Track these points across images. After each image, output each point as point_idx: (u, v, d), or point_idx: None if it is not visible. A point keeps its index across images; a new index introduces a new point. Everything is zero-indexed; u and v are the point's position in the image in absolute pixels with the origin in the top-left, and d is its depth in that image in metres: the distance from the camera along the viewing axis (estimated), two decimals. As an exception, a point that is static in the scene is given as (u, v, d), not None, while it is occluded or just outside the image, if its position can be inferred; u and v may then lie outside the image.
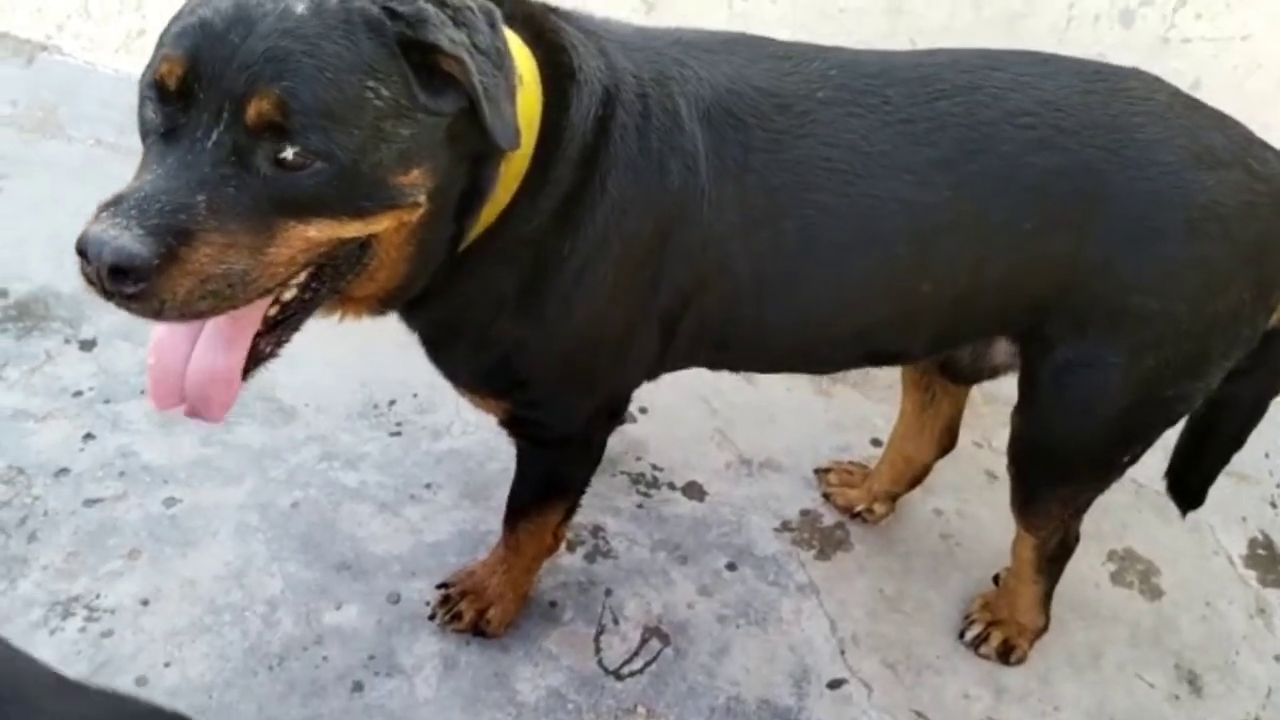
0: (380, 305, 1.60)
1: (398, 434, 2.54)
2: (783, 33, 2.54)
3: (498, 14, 1.42)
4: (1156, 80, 1.76)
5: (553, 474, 2.03)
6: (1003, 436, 2.60)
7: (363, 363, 2.67)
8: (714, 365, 2.01)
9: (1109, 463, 1.96)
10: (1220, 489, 2.78)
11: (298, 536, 2.27)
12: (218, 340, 1.39)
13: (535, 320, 1.67)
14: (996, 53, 1.77)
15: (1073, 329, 1.75)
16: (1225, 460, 2.16)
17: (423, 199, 1.39)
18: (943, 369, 2.12)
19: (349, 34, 1.29)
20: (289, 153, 1.26)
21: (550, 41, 1.56)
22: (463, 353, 1.77)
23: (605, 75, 1.58)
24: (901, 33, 2.54)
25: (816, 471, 2.64)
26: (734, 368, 2.08)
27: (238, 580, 2.17)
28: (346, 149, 1.28)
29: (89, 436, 2.38)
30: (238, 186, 1.26)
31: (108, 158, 3.08)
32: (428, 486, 2.44)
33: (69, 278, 2.62)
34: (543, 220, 1.58)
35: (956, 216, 1.66)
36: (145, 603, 2.10)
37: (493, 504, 2.40)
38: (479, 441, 2.55)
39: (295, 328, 1.49)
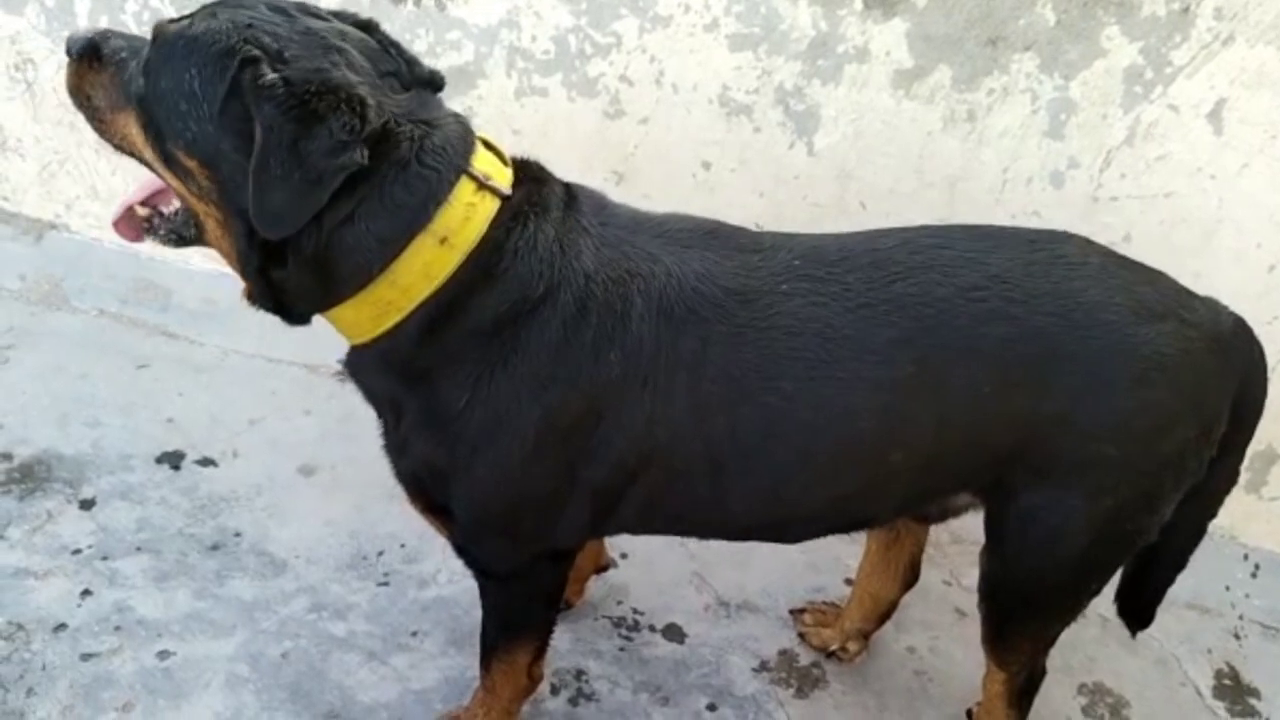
0: (250, 299, 1.80)
1: (385, 584, 2.62)
2: (744, 197, 2.78)
3: (355, 153, 1.57)
4: (1088, 243, 1.92)
5: (506, 609, 2.10)
6: (970, 574, 2.71)
7: (354, 516, 2.78)
8: (676, 534, 2.11)
9: (1074, 597, 2.07)
10: (1185, 621, 2.90)
11: (287, 686, 2.33)
12: (134, 190, 1.90)
13: (443, 452, 1.81)
14: (941, 230, 1.93)
15: (1034, 476, 1.86)
16: (1170, 582, 2.24)
17: (199, 189, 1.67)
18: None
19: (214, 43, 1.59)
20: (145, 64, 1.68)
21: (503, 236, 1.71)
22: (392, 448, 1.92)
23: (535, 280, 1.71)
24: (851, 195, 2.74)
25: (792, 612, 2.72)
26: (700, 537, 2.18)
27: (229, 730, 2.22)
28: (154, 88, 1.65)
29: (87, 592, 2.46)
30: (132, 69, 1.72)
31: (109, 327, 3.24)
32: (415, 634, 2.51)
33: (71, 441, 2.81)
34: (431, 364, 1.75)
35: (919, 388, 1.77)
36: (139, 754, 2.15)
37: (479, 651, 2.47)
38: (465, 589, 2.63)
39: (175, 235, 1.85)
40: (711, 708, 2.46)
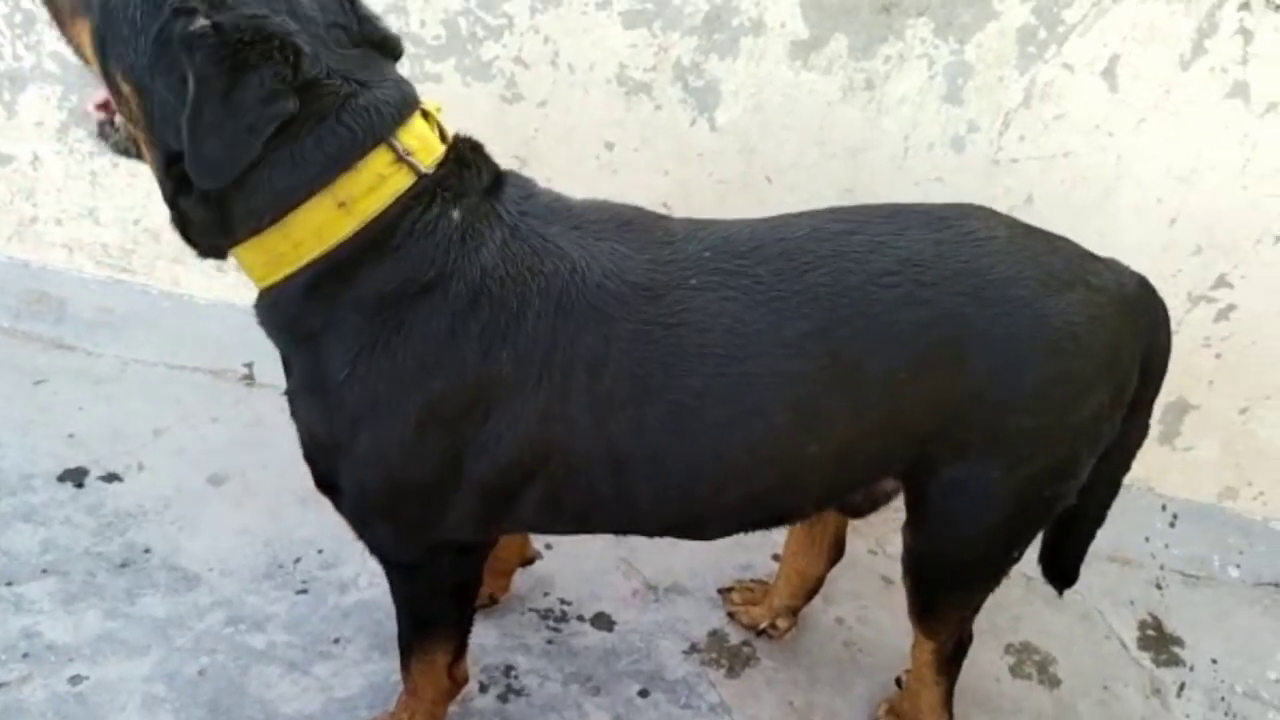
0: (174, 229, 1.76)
1: (304, 591, 2.56)
2: (649, 177, 2.74)
3: (284, 105, 1.55)
4: (993, 214, 1.92)
5: (412, 603, 2.07)
6: (894, 542, 2.70)
7: (268, 523, 2.71)
8: (584, 532, 2.08)
9: (997, 564, 2.08)
10: (1106, 574, 2.94)
11: (205, 704, 2.27)
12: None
13: (321, 414, 1.77)
14: (849, 213, 1.91)
15: (953, 453, 1.86)
16: (1090, 538, 2.26)
17: (129, 112, 1.65)
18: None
19: None
20: None
21: (403, 213, 1.67)
22: (290, 403, 1.87)
23: (425, 265, 1.68)
24: (756, 170, 2.72)
25: (720, 591, 2.71)
26: (613, 533, 2.15)
27: (145, 753, 2.16)
28: (104, 10, 1.59)
29: (-10, 621, 2.37)
30: None
31: (2, 342, 3.11)
32: (336, 642, 2.45)
33: (-35, 466, 2.69)
34: (317, 328, 1.72)
35: (834, 380, 1.76)
36: (50, 785, 2.08)
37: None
38: (386, 592, 2.55)
39: (120, 141, 1.79)
40: (644, 694, 2.44)
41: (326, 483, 1.89)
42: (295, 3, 1.61)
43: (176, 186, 1.66)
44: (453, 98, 2.68)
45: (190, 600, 2.50)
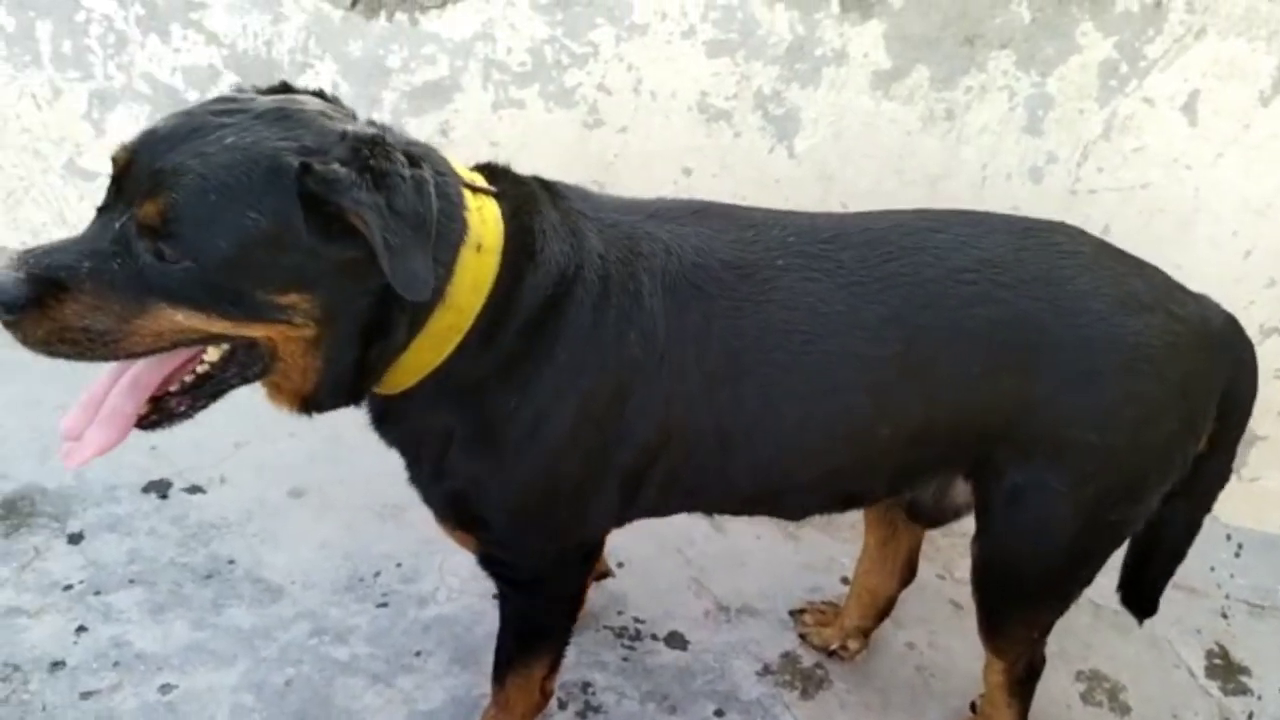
0: (301, 404, 1.72)
1: (385, 604, 2.60)
2: (726, 201, 2.77)
3: (433, 185, 1.55)
4: (1081, 233, 1.96)
5: (530, 619, 2.10)
6: (963, 567, 2.73)
7: (347, 537, 2.76)
8: (685, 510, 2.12)
9: (1064, 584, 2.09)
10: (1174, 603, 2.94)
11: (293, 714, 2.30)
12: (126, 386, 1.60)
13: (488, 461, 1.80)
14: (935, 213, 1.97)
15: (1020, 456, 1.89)
16: (1170, 573, 2.28)
17: (301, 319, 1.55)
18: (909, 513, 2.25)
19: (251, 171, 1.47)
20: (163, 249, 1.46)
21: (522, 223, 1.73)
22: (426, 479, 1.90)
23: (567, 258, 1.73)
24: (834, 197, 2.76)
25: (791, 613, 2.74)
26: (705, 511, 2.20)
27: (238, 762, 2.20)
28: (211, 259, 1.46)
29: (82, 629, 2.41)
30: (121, 264, 1.47)
31: (85, 354, 3.18)
32: (418, 655, 2.49)
33: (54, 474, 2.77)
34: (487, 374, 1.73)
35: (908, 366, 1.81)
36: (148, 792, 2.12)
37: (483, 668, 2.45)
38: (464, 606, 2.62)
39: (209, 396, 1.66)
40: (719, 714, 2.46)
41: (469, 522, 1.92)
42: (320, 109, 1.62)
43: (367, 341, 1.62)
44: (535, 124, 2.75)
45: (274, 612, 2.54)
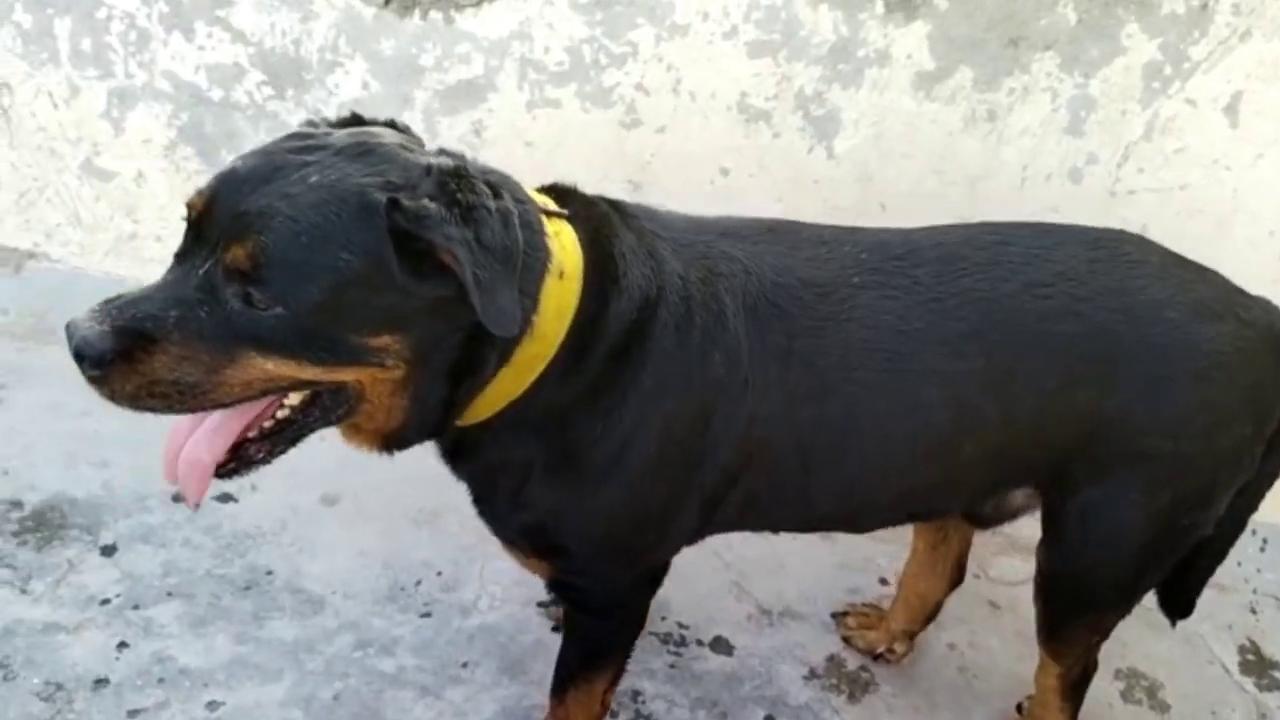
0: (385, 444, 1.69)
1: (428, 614, 2.57)
2: (762, 202, 2.76)
3: (518, 216, 1.51)
4: (1143, 240, 1.96)
5: (598, 638, 2.09)
6: (998, 566, 2.75)
7: (384, 545, 2.72)
8: (756, 529, 2.11)
9: (1132, 590, 2.11)
10: (1204, 599, 2.93)
11: (344, 729, 2.28)
12: (204, 435, 1.56)
13: (570, 490, 1.77)
14: (1000, 226, 1.95)
15: (1095, 471, 1.90)
16: (1210, 573, 2.30)
17: (393, 361, 1.50)
18: (964, 516, 2.25)
19: (341, 210, 1.43)
20: (253, 294, 1.41)
21: (601, 248, 1.69)
22: (502, 509, 1.86)
23: (649, 281, 1.70)
24: (872, 197, 2.74)
25: (834, 615, 2.73)
26: (774, 529, 2.18)
27: (294, 780, 2.16)
28: (304, 303, 1.41)
29: (123, 644, 2.36)
30: (208, 312, 1.42)
31: (104, 359, 3.11)
32: (465, 666, 2.46)
33: (82, 483, 2.71)
34: (571, 402, 1.69)
35: (989, 382, 1.81)
36: (205, 813, 2.08)
37: (531, 677, 2.45)
38: (508, 615, 2.60)
39: (289, 441, 1.61)
40: (769, 720, 2.46)
41: (550, 549, 1.87)
42: (398, 139, 1.58)
43: (456, 379, 1.58)
44: (571, 123, 2.72)
45: (317, 623, 2.50)
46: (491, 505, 1.86)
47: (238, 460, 1.58)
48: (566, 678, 2.11)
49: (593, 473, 1.74)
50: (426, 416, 1.61)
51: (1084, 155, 2.63)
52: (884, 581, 2.87)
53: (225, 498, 2.77)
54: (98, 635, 2.38)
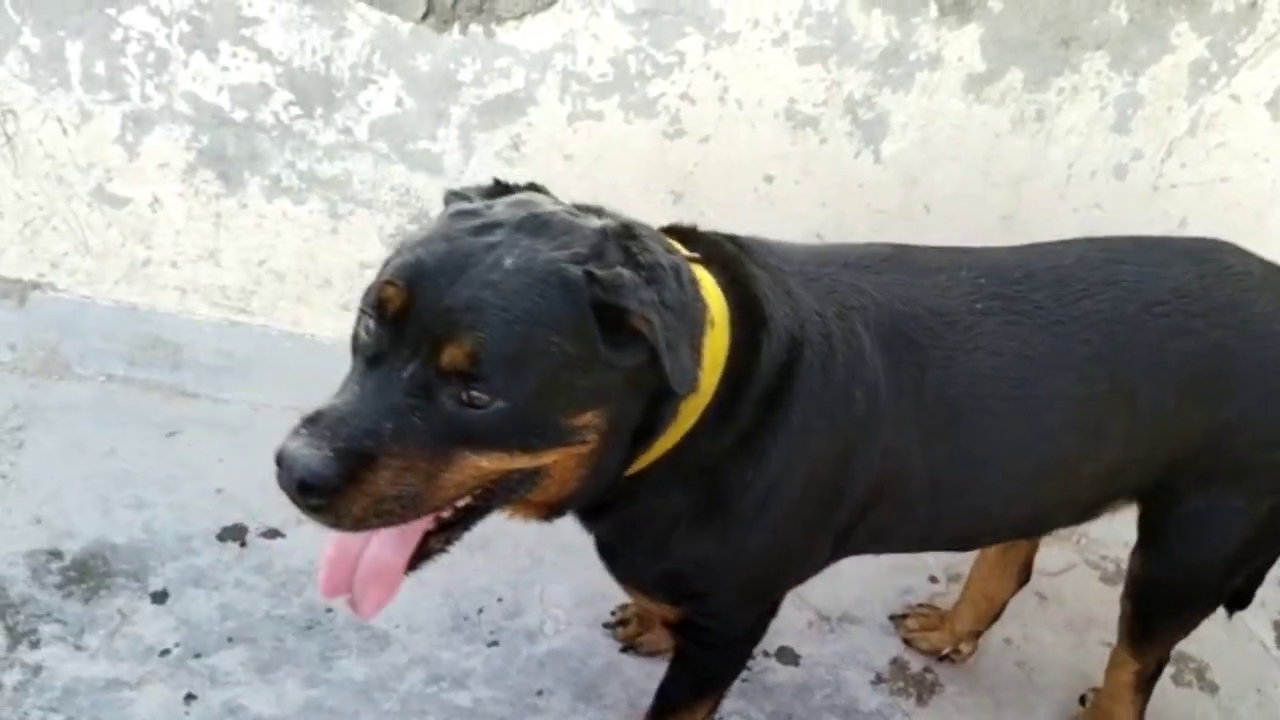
0: (549, 514, 1.65)
1: (495, 643, 2.53)
2: (806, 208, 2.73)
3: (685, 270, 1.50)
4: (1238, 249, 1.99)
5: (715, 671, 2.08)
6: (1041, 557, 2.77)
7: (440, 573, 2.57)
8: (868, 553, 2.10)
9: (1223, 590, 2.16)
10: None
11: (429, 769, 2.24)
12: (389, 539, 1.49)
13: (716, 539, 1.74)
14: (1106, 242, 1.96)
15: (1199, 481, 1.93)
16: (1270, 565, 2.35)
17: (593, 437, 1.46)
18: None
19: (545, 292, 1.37)
20: (472, 393, 1.35)
21: (744, 289, 1.65)
22: (640, 560, 1.83)
23: (792, 320, 1.67)
24: (916, 200, 2.73)
25: (892, 618, 2.75)
26: (879, 552, 2.18)
27: (391, 829, 2.12)
28: (524, 394, 1.36)
29: (190, 697, 2.28)
30: (423, 417, 1.35)
31: (122, 392, 2.98)
32: (539, 694, 2.43)
33: (120, 527, 2.61)
34: (723, 448, 1.66)
35: (1113, 404, 1.82)
36: None
37: (606, 702, 2.43)
38: (574, 638, 2.57)
39: (466, 528, 1.58)
40: (846, 728, 2.48)
41: (687, 595, 1.84)
42: (557, 203, 1.56)
43: (634, 446, 1.55)
44: (613, 135, 2.66)
45: (386, 660, 2.44)
46: (629, 556, 1.82)
47: (420, 554, 1.54)
48: (669, 709, 2.10)
49: (741, 519, 1.71)
50: (601, 483, 1.57)
51: (1129, 152, 2.65)
52: (933, 579, 2.90)
53: (272, 533, 2.69)
54: (162, 689, 2.30)
